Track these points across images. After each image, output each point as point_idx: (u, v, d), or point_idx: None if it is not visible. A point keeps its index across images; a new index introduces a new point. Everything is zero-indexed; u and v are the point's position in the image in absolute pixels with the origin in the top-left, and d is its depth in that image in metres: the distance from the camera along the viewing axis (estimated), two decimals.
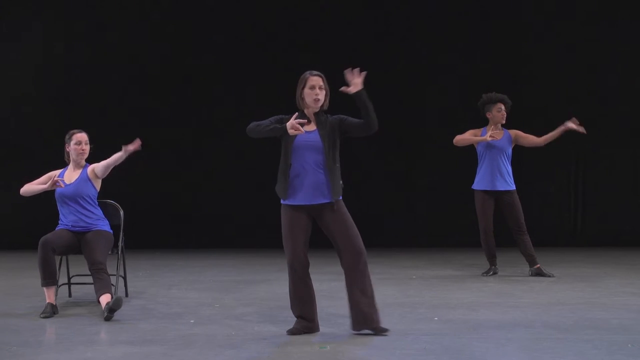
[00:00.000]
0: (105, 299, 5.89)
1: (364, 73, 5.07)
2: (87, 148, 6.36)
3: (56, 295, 6.09)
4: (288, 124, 5.06)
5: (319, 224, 5.25)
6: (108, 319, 5.75)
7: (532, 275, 8.00)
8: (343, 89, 5.08)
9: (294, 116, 5.12)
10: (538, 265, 8.01)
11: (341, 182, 5.22)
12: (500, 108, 8.02)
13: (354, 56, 10.97)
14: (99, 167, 6.32)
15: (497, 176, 8.00)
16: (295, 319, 5.32)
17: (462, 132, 8.15)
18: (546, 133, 8.08)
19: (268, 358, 4.73)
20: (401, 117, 10.85)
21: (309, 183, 5.15)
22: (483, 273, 8.13)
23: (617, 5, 11.08)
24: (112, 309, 5.73)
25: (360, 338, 5.18)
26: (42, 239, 6.06)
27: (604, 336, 5.18)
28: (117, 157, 6.24)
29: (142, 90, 11.10)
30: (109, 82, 11.08)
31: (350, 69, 5.06)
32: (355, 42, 11.04)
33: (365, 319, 5.18)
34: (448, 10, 11.11)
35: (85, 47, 11.15)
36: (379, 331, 5.18)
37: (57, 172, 6.40)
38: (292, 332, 5.25)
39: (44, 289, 6.04)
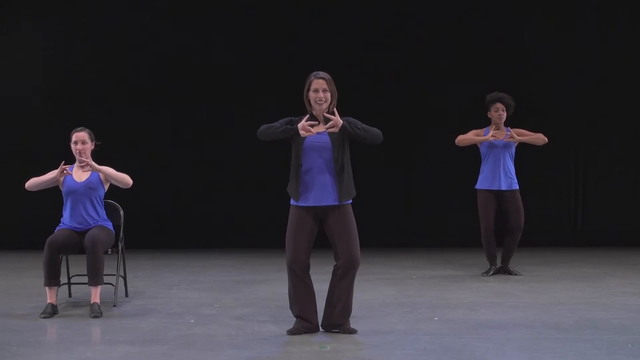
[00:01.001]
0: (94, 293, 6.01)
1: (334, 112, 5.18)
2: (83, 148, 6.25)
3: (56, 295, 6.09)
4: (299, 125, 5.11)
5: (323, 225, 5.26)
6: (97, 316, 5.91)
7: (497, 272, 8.11)
8: (329, 130, 5.14)
9: (305, 118, 5.15)
10: (509, 266, 8.14)
11: (354, 188, 5.27)
12: (497, 108, 8.03)
13: (355, 55, 11.02)
14: (110, 171, 6.34)
15: (500, 175, 8.01)
16: (295, 319, 5.33)
17: (462, 131, 8.17)
18: (546, 134, 8.10)
19: (268, 358, 4.73)
20: (401, 117, 10.85)
21: (318, 184, 5.17)
22: (483, 273, 8.13)
23: (617, 6, 11.08)
24: (96, 316, 5.92)
25: (360, 338, 5.19)
26: (49, 239, 6.05)
27: (604, 336, 5.19)
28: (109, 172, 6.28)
29: (142, 90, 11.09)
30: (108, 82, 11.07)
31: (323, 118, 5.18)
32: (356, 41, 11.04)
33: (335, 325, 5.31)
34: (449, 10, 11.10)
35: (85, 47, 11.14)
36: (347, 331, 5.30)
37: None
38: (292, 332, 5.26)
39: (47, 288, 6.04)
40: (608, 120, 11.11)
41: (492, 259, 8.17)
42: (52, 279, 6.03)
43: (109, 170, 6.27)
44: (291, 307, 5.34)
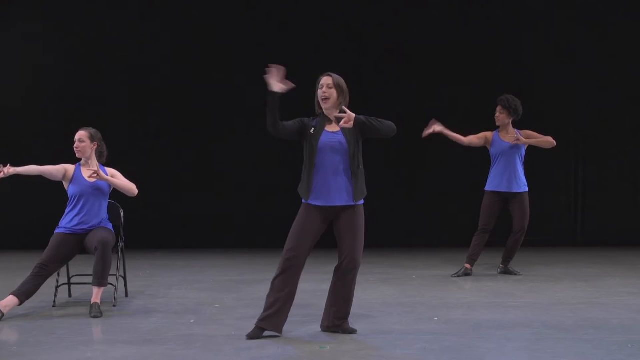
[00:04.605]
0: (96, 294, 6.01)
1: (344, 109, 5.13)
2: (81, 146, 6.26)
3: (9, 307, 5.95)
4: (270, 86, 4.96)
5: (332, 224, 5.25)
6: (97, 317, 5.92)
7: (500, 272, 8.17)
8: (344, 126, 5.08)
9: (268, 77, 5.02)
10: (509, 266, 8.18)
11: (366, 188, 5.25)
12: (497, 111, 8.06)
13: (356, 55, 11.02)
14: (119, 177, 6.35)
15: (510, 178, 7.97)
16: (258, 318, 5.25)
17: (462, 131, 8.17)
18: (546, 134, 8.10)
19: (268, 358, 4.73)
20: (401, 117, 10.84)
21: (332, 184, 5.15)
22: (453, 274, 8.08)
23: (616, 5, 11.08)
24: (95, 316, 5.93)
25: (360, 338, 5.19)
26: (43, 263, 6.04)
27: (604, 336, 5.19)
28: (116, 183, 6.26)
29: (142, 91, 11.09)
30: (108, 82, 11.07)
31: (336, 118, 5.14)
32: (358, 41, 11.04)
33: (334, 326, 5.31)
34: (450, 11, 11.11)
35: (85, 47, 11.14)
36: (347, 331, 5.29)
37: (71, 166, 6.32)
38: (250, 336, 5.18)
39: (10, 295, 5.96)
40: (608, 120, 11.12)
41: (470, 260, 8.11)
42: (21, 294, 5.97)
43: (117, 181, 6.28)
44: (267, 297, 5.24)
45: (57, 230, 6.24)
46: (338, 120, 5.11)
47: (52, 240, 6.18)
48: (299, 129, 5.19)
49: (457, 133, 8.10)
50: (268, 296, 5.25)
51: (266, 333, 5.24)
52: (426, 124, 7.84)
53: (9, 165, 6.02)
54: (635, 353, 4.75)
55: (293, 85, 5.01)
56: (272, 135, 5.13)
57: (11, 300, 5.94)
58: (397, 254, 10.08)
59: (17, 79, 11.14)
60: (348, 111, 5.08)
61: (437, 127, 7.94)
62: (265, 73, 4.96)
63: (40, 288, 6.11)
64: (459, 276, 7.98)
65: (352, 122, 5.05)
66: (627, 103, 11.13)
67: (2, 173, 5.98)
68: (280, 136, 5.15)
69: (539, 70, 11.08)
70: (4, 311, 5.88)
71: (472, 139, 8.09)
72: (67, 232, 6.19)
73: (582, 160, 11.26)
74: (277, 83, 4.98)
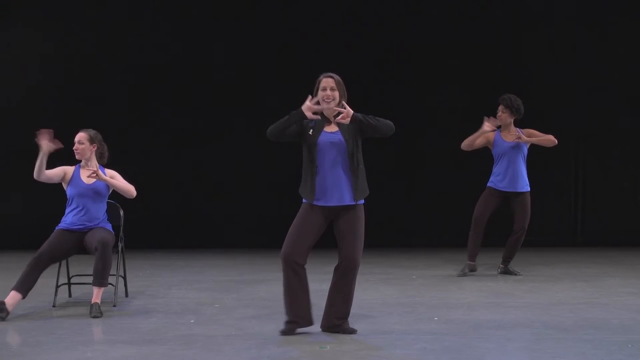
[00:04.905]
0: (96, 294, 6.00)
1: (344, 104, 5.17)
2: (80, 148, 6.26)
3: (15, 302, 5.96)
4: (304, 106, 5.09)
5: (332, 224, 5.25)
6: (97, 317, 5.92)
7: (500, 272, 8.14)
8: (341, 121, 5.12)
9: (308, 99, 5.13)
10: (509, 266, 8.15)
11: (367, 187, 5.26)
12: (498, 109, 8.05)
13: (356, 55, 11.02)
14: (118, 179, 6.34)
15: (512, 177, 7.96)
16: (286, 317, 5.28)
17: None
18: (547, 134, 8.09)
19: (268, 358, 4.73)
20: (401, 117, 10.84)
21: (332, 184, 5.16)
22: (458, 273, 8.07)
23: (616, 5, 11.07)
24: (95, 316, 5.92)
25: (360, 338, 5.19)
26: (38, 254, 6.03)
27: (604, 336, 5.19)
28: (115, 184, 6.26)
29: (142, 91, 11.09)
30: (108, 82, 11.07)
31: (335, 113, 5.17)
32: (358, 41, 11.04)
33: (334, 326, 5.29)
34: (450, 11, 11.10)
35: (85, 47, 11.13)
36: (347, 331, 5.28)
37: (71, 168, 6.32)
38: (284, 333, 5.23)
39: (13, 290, 5.96)
40: (608, 120, 11.11)
41: (470, 256, 8.10)
42: (22, 289, 5.97)
43: (115, 182, 6.28)
44: (284, 305, 5.30)
45: (57, 227, 6.26)
46: (336, 114, 5.13)
47: (52, 235, 6.20)
48: (298, 131, 5.21)
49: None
50: (285, 298, 5.25)
51: (265, 333, 5.25)
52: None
53: (52, 136, 6.02)
54: (635, 353, 4.75)
55: (319, 118, 5.14)
56: (270, 140, 5.20)
57: (15, 296, 5.96)
58: (397, 254, 10.08)
59: (17, 79, 11.14)
60: (347, 107, 5.11)
61: (487, 126, 7.79)
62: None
63: (41, 288, 6.12)
64: (465, 274, 7.98)
65: (349, 119, 5.08)
66: (627, 103, 11.13)
67: (42, 134, 5.99)
68: (279, 141, 5.25)
69: (539, 70, 11.08)
70: (9, 309, 5.89)
71: (472, 146, 8.07)
72: (67, 228, 6.21)
73: (582, 160, 11.26)
74: (309, 111, 5.10)
